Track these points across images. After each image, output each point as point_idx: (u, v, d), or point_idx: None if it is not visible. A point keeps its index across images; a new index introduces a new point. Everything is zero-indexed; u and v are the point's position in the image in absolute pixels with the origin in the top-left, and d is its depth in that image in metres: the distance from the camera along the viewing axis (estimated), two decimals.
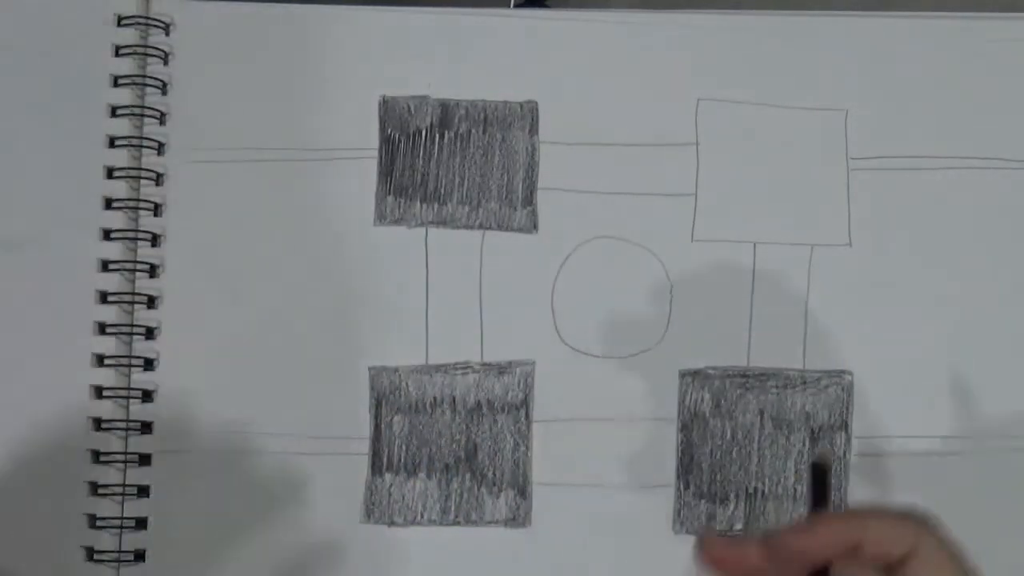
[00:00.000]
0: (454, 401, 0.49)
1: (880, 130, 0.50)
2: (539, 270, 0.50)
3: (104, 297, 0.49)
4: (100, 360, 0.49)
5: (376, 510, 0.49)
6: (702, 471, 0.49)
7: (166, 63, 0.51)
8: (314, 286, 0.50)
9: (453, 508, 0.49)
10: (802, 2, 0.52)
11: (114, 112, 0.50)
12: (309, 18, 0.51)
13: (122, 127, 0.50)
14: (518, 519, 0.49)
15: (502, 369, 0.50)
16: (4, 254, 0.50)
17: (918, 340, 0.49)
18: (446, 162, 0.51)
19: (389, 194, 0.50)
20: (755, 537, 0.37)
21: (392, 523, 0.49)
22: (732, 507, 0.49)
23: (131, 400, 0.49)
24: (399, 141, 0.51)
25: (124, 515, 0.49)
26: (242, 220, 0.50)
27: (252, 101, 0.51)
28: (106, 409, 0.49)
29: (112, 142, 0.50)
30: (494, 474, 0.49)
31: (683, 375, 0.49)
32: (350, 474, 0.49)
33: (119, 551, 0.49)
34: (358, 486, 0.49)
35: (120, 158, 0.50)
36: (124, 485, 0.49)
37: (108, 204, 0.50)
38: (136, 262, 0.50)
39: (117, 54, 0.51)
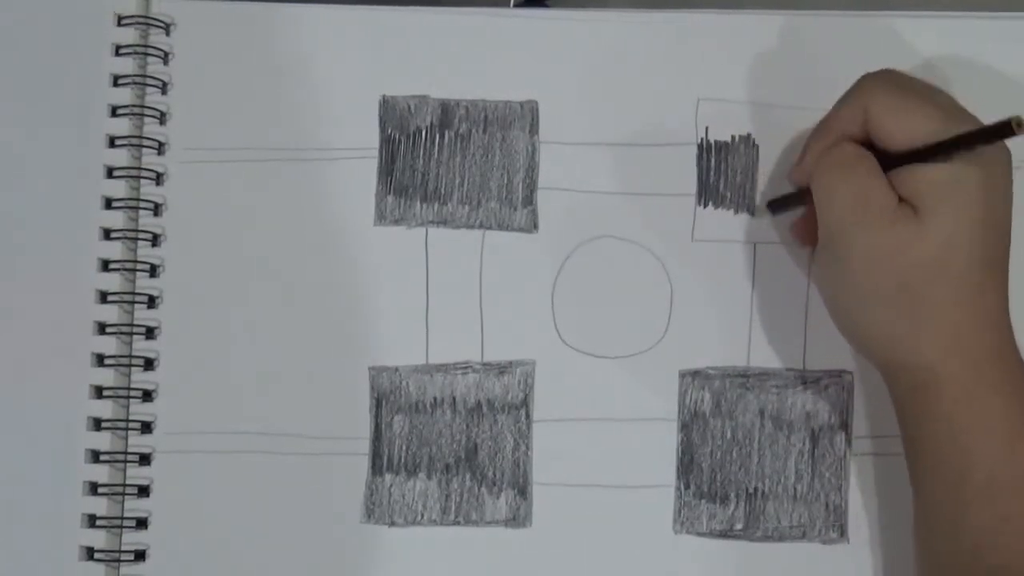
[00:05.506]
0: (454, 401, 0.49)
1: None
2: (539, 270, 0.50)
3: (104, 297, 0.49)
4: (100, 360, 0.49)
5: (376, 510, 0.49)
6: (702, 471, 0.49)
7: (166, 63, 0.51)
8: (314, 286, 0.50)
9: (453, 508, 0.49)
10: (802, 2, 0.52)
11: (114, 112, 0.50)
12: (309, 18, 0.51)
13: (122, 127, 0.50)
14: (518, 519, 0.49)
15: (502, 369, 0.50)
16: (4, 254, 0.50)
17: None
18: (446, 162, 0.51)
19: (389, 194, 0.50)
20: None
21: (392, 523, 0.49)
22: (732, 507, 0.48)
23: (131, 400, 0.49)
24: (399, 141, 0.51)
25: (124, 515, 0.49)
26: (242, 220, 0.50)
27: (252, 101, 0.51)
28: (106, 409, 0.49)
29: (112, 142, 0.50)
30: (494, 474, 0.49)
31: (683, 375, 0.49)
32: (350, 474, 0.49)
33: (119, 551, 0.49)
34: (358, 486, 0.49)
35: (120, 158, 0.50)
36: (124, 485, 0.49)
37: (108, 204, 0.50)
38: (136, 262, 0.50)
39: (117, 54, 0.51)
